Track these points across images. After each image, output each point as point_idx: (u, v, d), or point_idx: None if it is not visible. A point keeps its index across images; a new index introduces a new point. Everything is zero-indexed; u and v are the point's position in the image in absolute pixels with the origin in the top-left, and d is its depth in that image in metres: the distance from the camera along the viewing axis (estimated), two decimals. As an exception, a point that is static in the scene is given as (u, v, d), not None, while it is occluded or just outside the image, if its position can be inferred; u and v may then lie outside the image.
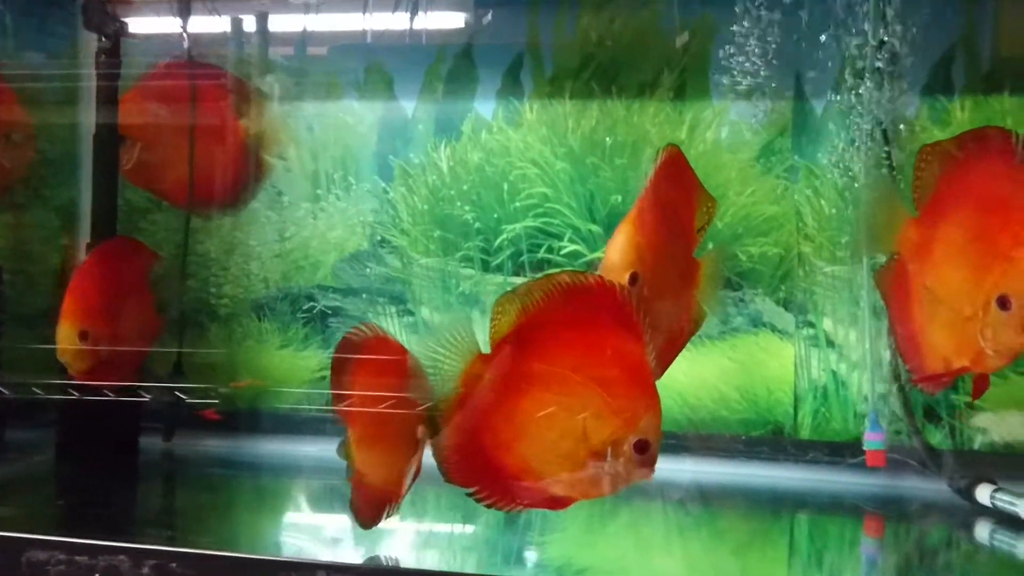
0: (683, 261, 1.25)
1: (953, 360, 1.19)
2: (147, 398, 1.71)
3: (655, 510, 1.67)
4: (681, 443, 1.89)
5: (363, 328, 1.27)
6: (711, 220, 1.27)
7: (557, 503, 1.06)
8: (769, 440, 1.88)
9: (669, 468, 1.84)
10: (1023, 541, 1.44)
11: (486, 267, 1.99)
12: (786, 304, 1.89)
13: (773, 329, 1.90)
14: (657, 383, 1.06)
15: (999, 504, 1.51)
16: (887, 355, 1.76)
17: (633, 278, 1.14)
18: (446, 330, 1.06)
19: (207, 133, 1.87)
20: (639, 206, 1.20)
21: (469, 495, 1.06)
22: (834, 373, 1.87)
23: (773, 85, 1.86)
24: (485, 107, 2.01)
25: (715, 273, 1.26)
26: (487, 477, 1.04)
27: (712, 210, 1.27)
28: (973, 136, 1.22)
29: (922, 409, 1.82)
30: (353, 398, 1.25)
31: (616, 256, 1.16)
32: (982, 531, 1.50)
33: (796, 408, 1.89)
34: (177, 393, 1.72)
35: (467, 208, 2.01)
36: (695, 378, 1.93)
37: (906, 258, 1.26)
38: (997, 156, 1.16)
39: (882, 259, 1.32)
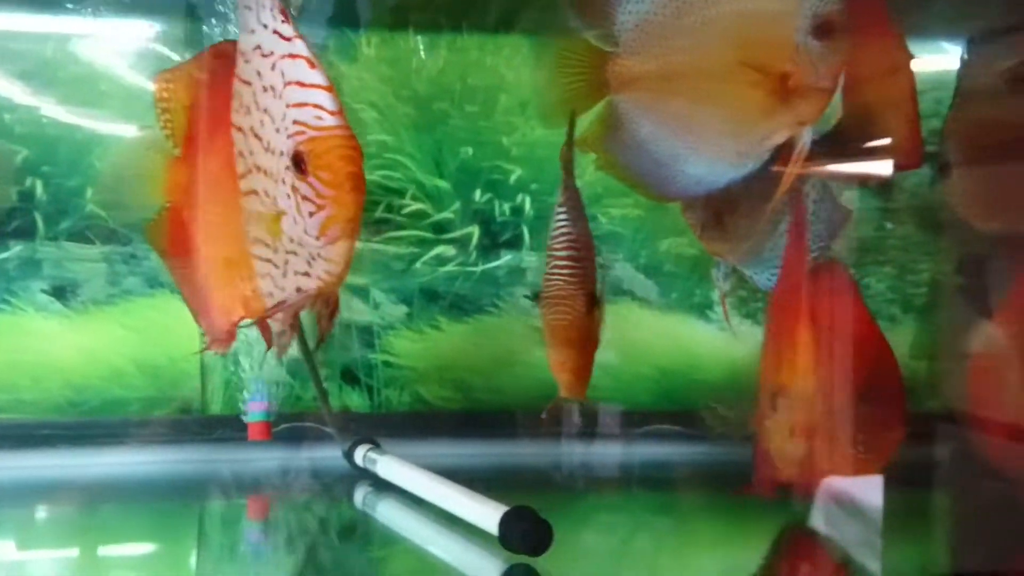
0: None
1: (232, 311, 1.04)
2: None
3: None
4: (57, 432, 1.55)
5: None
6: None
7: None
8: (170, 420, 1.62)
9: (38, 465, 1.57)
10: (383, 502, 1.34)
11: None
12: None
13: (173, 289, 1.62)
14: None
15: (367, 465, 1.41)
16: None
17: None
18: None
19: None
20: None
21: None
22: (245, 335, 1.65)
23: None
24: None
25: None
26: None
27: None
28: (214, 53, 1.08)
29: (340, 370, 1.70)
30: None
31: None
32: (359, 495, 1.39)
33: (204, 380, 1.65)
34: None
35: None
36: (81, 352, 1.60)
37: (179, 204, 1.08)
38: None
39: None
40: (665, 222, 1.70)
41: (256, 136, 0.93)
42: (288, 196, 0.89)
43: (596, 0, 1.10)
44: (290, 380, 1.66)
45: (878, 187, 1.57)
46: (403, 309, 1.71)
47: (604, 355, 1.72)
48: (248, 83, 0.93)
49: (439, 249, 1.71)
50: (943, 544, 1.27)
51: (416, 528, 1.24)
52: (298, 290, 0.95)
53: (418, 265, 1.71)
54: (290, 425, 1.64)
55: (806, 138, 1.06)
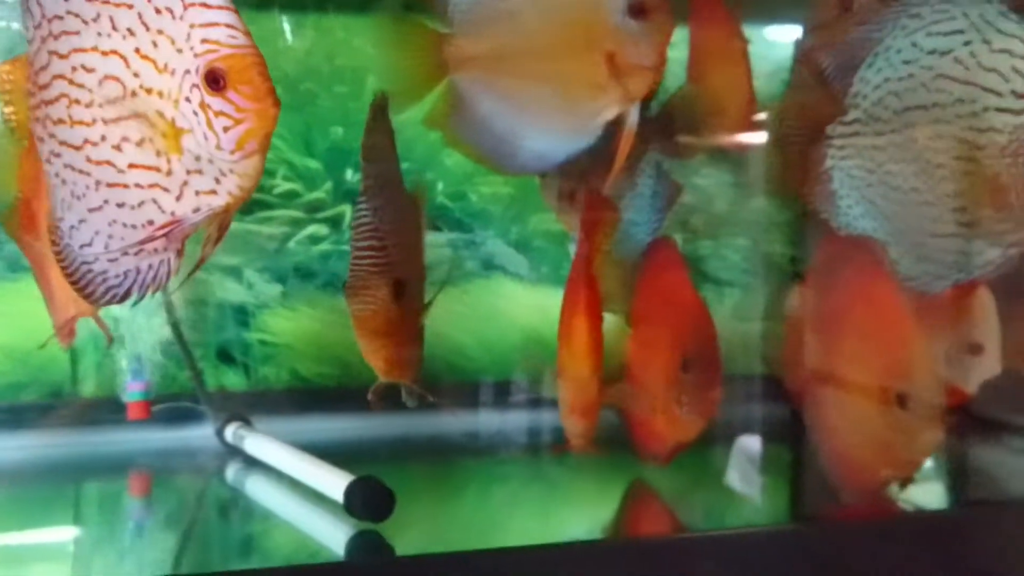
0: None
1: (66, 307, 1.13)
2: None
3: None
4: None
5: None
6: None
7: None
8: (41, 405, 1.61)
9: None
10: (252, 477, 1.38)
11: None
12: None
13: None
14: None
15: (237, 442, 1.44)
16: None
17: None
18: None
19: None
20: None
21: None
22: (116, 320, 1.65)
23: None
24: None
25: None
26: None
27: None
28: None
29: (215, 350, 1.71)
30: None
31: None
32: (230, 472, 1.42)
33: (75, 362, 1.64)
34: None
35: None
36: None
37: (28, 195, 1.09)
38: None
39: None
40: (534, 199, 1.75)
41: (146, 57, 0.92)
42: (195, 114, 0.90)
43: None
44: (164, 361, 1.67)
45: (727, 163, 1.65)
46: (278, 288, 1.73)
47: (477, 327, 1.80)
48: (129, 6, 0.94)
49: (312, 228, 1.74)
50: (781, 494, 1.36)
51: (280, 501, 1.27)
52: (195, 211, 0.97)
53: (291, 244, 1.73)
54: (166, 405, 1.65)
55: (635, 114, 1.12)
